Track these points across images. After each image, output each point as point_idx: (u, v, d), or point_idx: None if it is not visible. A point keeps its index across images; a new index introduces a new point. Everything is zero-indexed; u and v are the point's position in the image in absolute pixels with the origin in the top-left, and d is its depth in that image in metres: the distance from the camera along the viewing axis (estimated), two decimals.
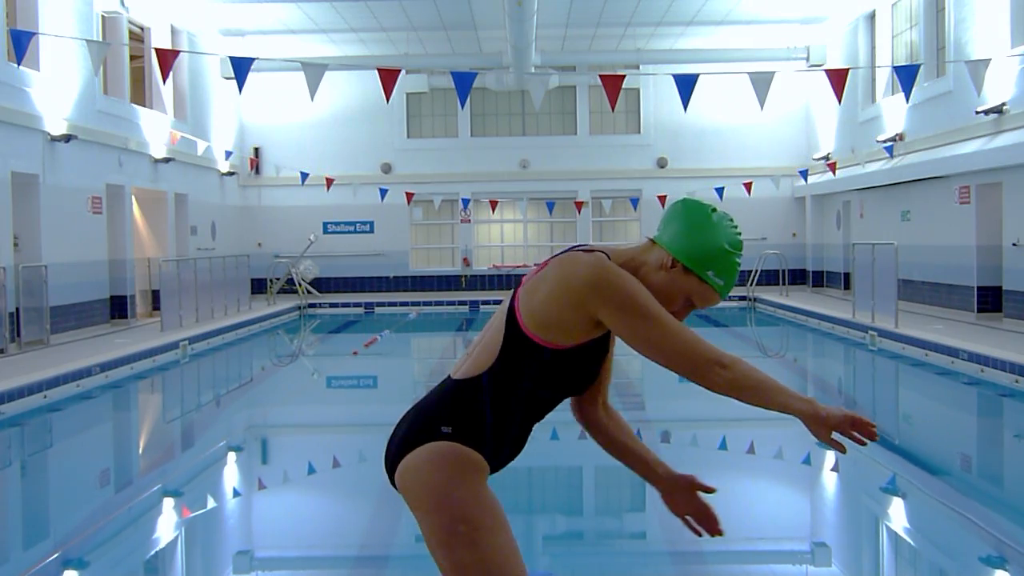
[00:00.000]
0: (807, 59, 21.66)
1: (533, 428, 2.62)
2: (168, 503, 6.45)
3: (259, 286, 22.13)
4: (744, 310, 19.70)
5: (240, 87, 11.05)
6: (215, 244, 21.41)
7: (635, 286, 2.35)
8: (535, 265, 2.63)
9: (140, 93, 18.93)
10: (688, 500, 2.68)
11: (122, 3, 16.79)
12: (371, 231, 24.12)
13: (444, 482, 2.39)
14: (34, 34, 10.96)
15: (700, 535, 2.69)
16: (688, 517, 2.70)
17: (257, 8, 19.08)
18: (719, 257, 2.48)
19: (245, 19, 20.02)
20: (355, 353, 14.06)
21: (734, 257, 2.50)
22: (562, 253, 2.48)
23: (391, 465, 2.52)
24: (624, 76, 12.05)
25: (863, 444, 2.32)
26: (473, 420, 2.43)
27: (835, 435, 2.31)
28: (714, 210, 2.53)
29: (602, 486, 7.07)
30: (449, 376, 2.55)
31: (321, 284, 23.21)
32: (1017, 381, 9.66)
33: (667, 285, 2.48)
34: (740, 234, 2.53)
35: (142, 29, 18.24)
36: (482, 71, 19.07)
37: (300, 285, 21.75)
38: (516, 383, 2.45)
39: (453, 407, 2.45)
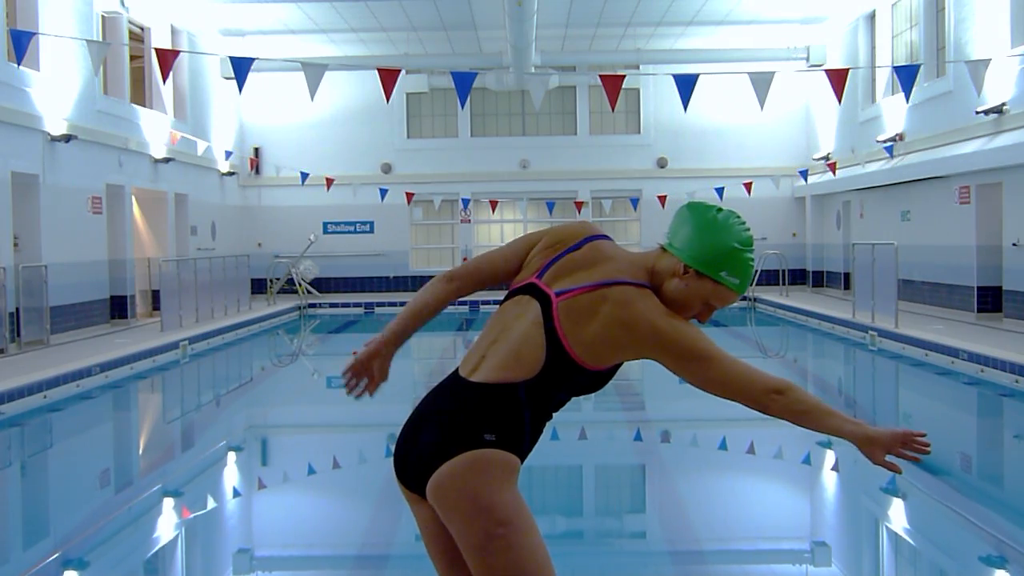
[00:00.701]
0: (807, 59, 21.66)
1: None
2: (168, 503, 6.45)
3: (259, 286, 22.13)
4: (744, 310, 19.69)
5: (240, 87, 11.05)
6: (215, 244, 21.41)
7: (690, 333, 2.45)
8: (554, 260, 2.59)
9: (140, 93, 18.93)
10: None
11: (122, 3, 16.79)
12: (371, 231, 24.12)
13: (487, 488, 2.40)
14: (34, 34, 10.96)
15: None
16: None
17: (257, 8, 19.08)
18: (730, 256, 2.49)
19: (245, 19, 20.02)
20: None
21: (745, 254, 2.51)
22: (612, 284, 2.48)
23: (420, 473, 2.49)
24: (624, 76, 12.06)
25: (917, 460, 2.42)
26: (515, 427, 2.46)
27: (889, 457, 2.41)
28: (719, 210, 2.55)
29: (602, 486, 7.07)
30: (462, 377, 2.54)
31: (321, 284, 23.20)
32: (1017, 381, 9.66)
33: (683, 291, 2.51)
34: (749, 230, 2.55)
35: (142, 29, 18.24)
36: (482, 71, 19.08)
37: (300, 285, 21.75)
38: (553, 394, 2.52)
39: (493, 414, 2.45)
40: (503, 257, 2.73)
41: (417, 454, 2.50)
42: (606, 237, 2.64)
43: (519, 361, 2.47)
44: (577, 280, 2.51)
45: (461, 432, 2.43)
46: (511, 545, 2.38)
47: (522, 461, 2.52)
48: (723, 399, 2.49)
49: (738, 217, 2.56)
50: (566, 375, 2.49)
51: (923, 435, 2.39)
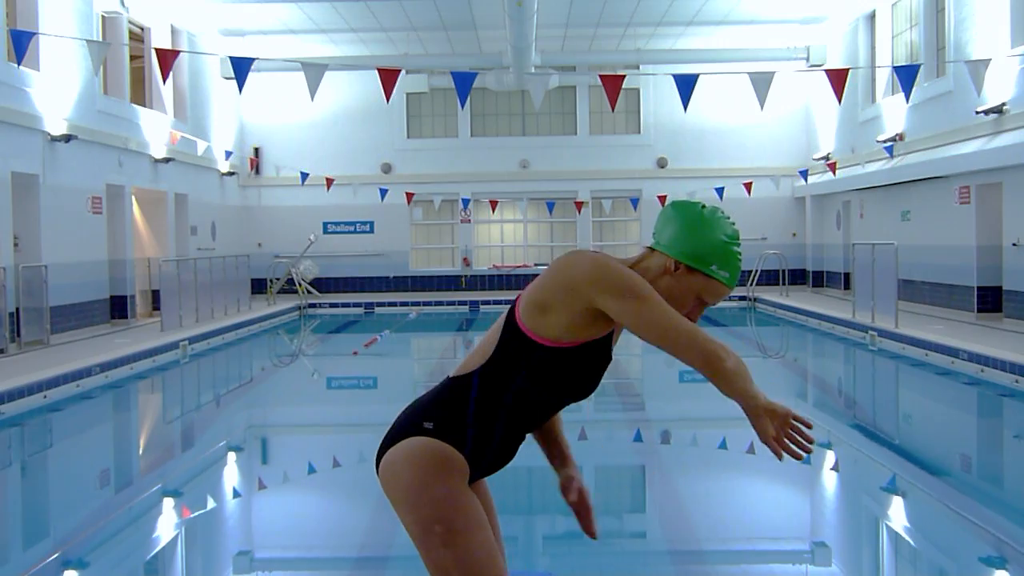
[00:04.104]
0: (807, 59, 21.65)
1: (526, 436, 2.61)
2: (168, 503, 6.45)
3: (259, 286, 22.13)
4: (744, 310, 19.69)
5: (240, 87, 11.05)
6: (215, 244, 21.41)
7: (631, 274, 2.37)
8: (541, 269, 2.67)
9: (140, 93, 18.93)
10: (578, 498, 2.74)
11: (122, 3, 16.79)
12: (371, 231, 24.12)
13: (420, 480, 2.41)
14: (34, 34, 10.95)
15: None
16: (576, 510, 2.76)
17: (257, 8, 19.08)
18: (718, 250, 2.50)
19: (245, 19, 20.02)
20: (355, 353, 14.06)
21: (732, 247, 2.52)
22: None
23: (376, 464, 2.56)
24: (624, 76, 12.05)
25: (799, 457, 2.32)
26: (455, 417, 2.45)
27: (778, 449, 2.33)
28: (704, 206, 2.56)
29: (602, 486, 7.07)
30: (447, 375, 2.58)
31: (321, 284, 23.20)
32: (1017, 381, 9.66)
33: (675, 288, 2.50)
34: (734, 224, 2.56)
35: (142, 29, 18.24)
36: (482, 71, 19.06)
37: (300, 285, 21.75)
38: (507, 382, 2.44)
39: (439, 404, 2.48)
40: None
41: (380, 445, 2.57)
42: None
43: (481, 352, 2.50)
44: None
45: (407, 421, 2.50)
46: (449, 544, 2.38)
47: (475, 460, 2.45)
48: (659, 347, 2.38)
49: (723, 213, 2.57)
50: (519, 354, 2.42)
51: (809, 425, 2.31)
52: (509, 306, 2.53)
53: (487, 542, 2.42)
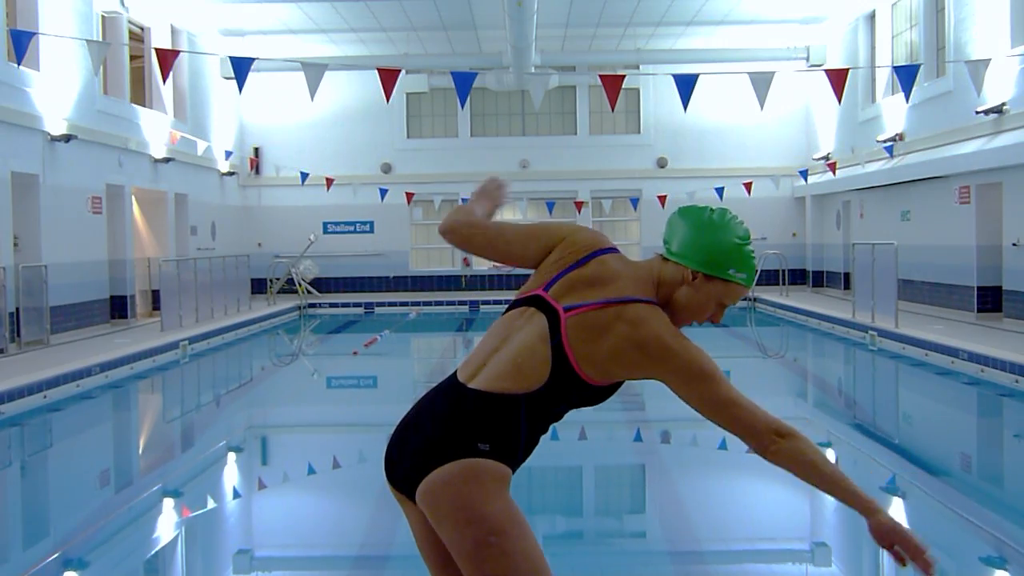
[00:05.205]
0: (807, 59, 21.65)
1: None
2: (168, 503, 6.45)
3: (259, 286, 22.13)
4: (744, 310, 19.68)
5: (240, 87, 11.05)
6: (215, 244, 21.41)
7: (699, 354, 2.44)
8: (561, 274, 2.55)
9: (140, 93, 18.93)
10: None
11: (122, 3, 16.79)
12: (371, 231, 24.12)
13: (480, 498, 2.38)
14: (34, 34, 10.96)
15: None
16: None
17: (257, 8, 19.08)
18: (733, 253, 2.51)
19: (245, 19, 20.02)
20: (355, 353, 14.06)
21: (745, 247, 2.53)
22: (623, 302, 2.46)
23: (410, 475, 2.47)
24: (624, 76, 12.05)
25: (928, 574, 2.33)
26: (510, 440, 2.43)
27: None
28: (712, 210, 2.55)
29: (602, 486, 7.07)
30: (460, 381, 2.51)
31: (321, 284, 23.20)
32: (1017, 381, 9.66)
33: (696, 297, 2.52)
34: (743, 223, 2.56)
35: (142, 29, 18.24)
36: (482, 71, 19.05)
37: (300, 285, 21.75)
38: (553, 407, 2.51)
39: (489, 425, 2.42)
40: (523, 244, 2.69)
41: (408, 457, 2.48)
42: (614, 250, 2.61)
43: (520, 373, 2.45)
44: (586, 296, 2.48)
45: (455, 439, 2.41)
46: (504, 552, 2.37)
47: (514, 470, 2.50)
48: (724, 429, 2.47)
49: (730, 213, 2.56)
50: (569, 390, 2.48)
51: (929, 554, 2.32)
52: (546, 325, 2.46)
53: (538, 547, 2.45)
